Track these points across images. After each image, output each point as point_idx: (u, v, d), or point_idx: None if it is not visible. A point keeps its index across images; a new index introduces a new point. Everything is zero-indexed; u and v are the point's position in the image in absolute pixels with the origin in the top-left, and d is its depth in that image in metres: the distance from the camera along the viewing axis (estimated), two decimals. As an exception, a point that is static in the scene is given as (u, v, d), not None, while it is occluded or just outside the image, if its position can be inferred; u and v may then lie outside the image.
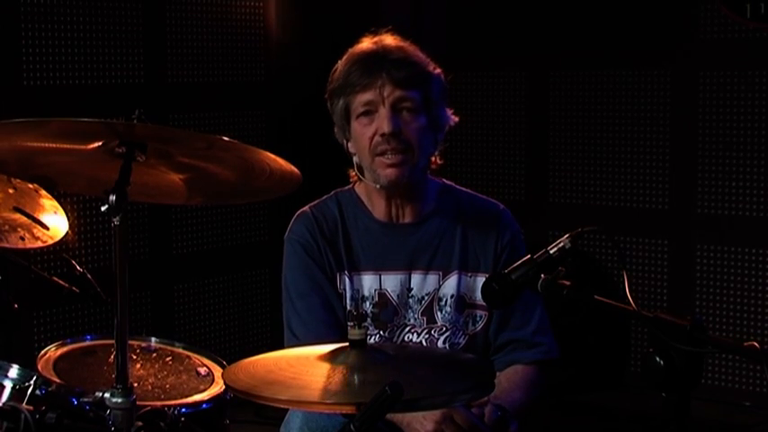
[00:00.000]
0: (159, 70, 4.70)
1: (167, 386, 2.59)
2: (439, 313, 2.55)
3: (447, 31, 5.45)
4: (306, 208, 2.62)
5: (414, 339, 2.56)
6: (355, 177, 2.61)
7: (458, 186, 2.68)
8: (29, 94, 4.28)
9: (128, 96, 4.54)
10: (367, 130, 2.48)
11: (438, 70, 2.56)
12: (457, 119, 2.59)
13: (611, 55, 5.11)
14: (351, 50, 2.55)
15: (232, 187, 2.27)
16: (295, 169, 2.14)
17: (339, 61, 2.56)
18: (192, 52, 4.81)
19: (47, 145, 2.09)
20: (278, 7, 5.13)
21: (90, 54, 4.45)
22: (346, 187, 2.65)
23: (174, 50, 4.75)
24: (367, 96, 2.47)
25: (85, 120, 1.97)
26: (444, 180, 2.67)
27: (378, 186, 2.53)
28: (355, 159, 2.58)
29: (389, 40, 2.54)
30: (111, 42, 4.52)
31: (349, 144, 2.58)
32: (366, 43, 2.55)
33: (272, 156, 2.09)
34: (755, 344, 1.78)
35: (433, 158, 2.59)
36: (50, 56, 4.33)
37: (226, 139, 2.05)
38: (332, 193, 2.65)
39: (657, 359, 1.80)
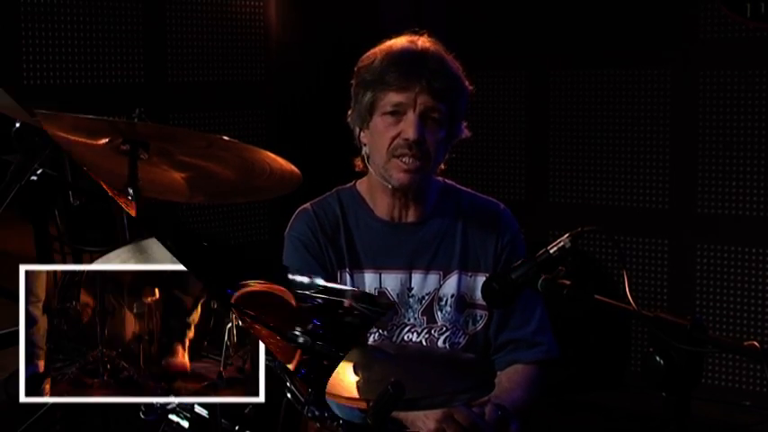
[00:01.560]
0: (159, 70, 4.70)
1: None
2: (439, 313, 2.55)
3: (447, 32, 5.42)
4: (306, 205, 2.61)
5: (413, 339, 2.55)
6: (360, 165, 2.59)
7: (459, 186, 2.68)
8: (29, 94, 4.27)
9: (128, 96, 4.54)
10: (390, 130, 2.46)
11: (470, 87, 2.55)
12: (470, 134, 2.59)
13: (611, 55, 5.10)
14: (390, 45, 2.51)
15: (233, 186, 2.27)
16: (295, 169, 2.14)
17: (374, 51, 2.51)
18: (192, 52, 4.81)
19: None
20: (278, 7, 5.13)
21: (90, 54, 4.45)
22: (347, 185, 2.64)
23: (174, 50, 4.75)
24: (399, 98, 2.44)
25: (89, 117, 1.99)
26: (446, 180, 2.67)
27: (389, 186, 2.51)
28: (365, 150, 2.55)
29: (431, 45, 2.51)
30: (111, 42, 4.52)
31: (362, 133, 2.55)
32: (407, 42, 2.50)
33: (272, 155, 2.09)
34: (755, 343, 1.77)
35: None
36: (50, 56, 4.33)
37: (225, 138, 2.04)
38: (333, 190, 2.64)
39: (657, 359, 1.80)
